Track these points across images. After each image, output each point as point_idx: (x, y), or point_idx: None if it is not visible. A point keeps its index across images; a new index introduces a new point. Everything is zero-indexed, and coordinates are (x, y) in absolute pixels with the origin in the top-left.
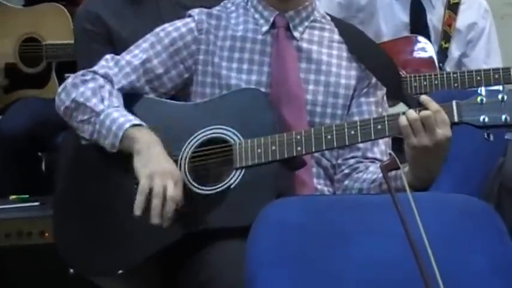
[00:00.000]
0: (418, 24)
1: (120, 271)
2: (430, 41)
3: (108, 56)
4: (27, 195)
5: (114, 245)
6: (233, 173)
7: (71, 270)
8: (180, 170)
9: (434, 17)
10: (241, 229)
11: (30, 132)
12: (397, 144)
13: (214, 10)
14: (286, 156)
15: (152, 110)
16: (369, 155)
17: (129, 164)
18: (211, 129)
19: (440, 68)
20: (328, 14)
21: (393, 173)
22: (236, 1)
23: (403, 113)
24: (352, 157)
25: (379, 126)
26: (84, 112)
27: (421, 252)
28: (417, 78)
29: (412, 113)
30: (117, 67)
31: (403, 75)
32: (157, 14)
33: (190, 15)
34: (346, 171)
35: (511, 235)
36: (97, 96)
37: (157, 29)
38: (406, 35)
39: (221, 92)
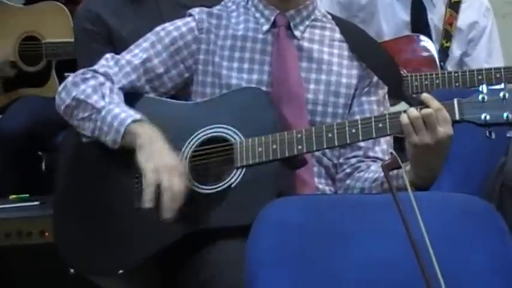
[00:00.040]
0: (419, 23)
1: (121, 271)
2: (431, 40)
3: (108, 55)
4: (27, 195)
5: (114, 244)
6: (234, 172)
7: (72, 270)
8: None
9: (435, 16)
10: (241, 228)
11: (30, 131)
12: (399, 143)
13: (215, 9)
14: (287, 155)
15: (152, 109)
16: (371, 154)
17: (130, 163)
18: (212, 128)
19: (441, 67)
20: (329, 13)
21: (395, 172)
22: (237, 0)
23: (405, 111)
24: (354, 156)
25: (380, 125)
26: (85, 109)
27: (422, 252)
28: (418, 77)
29: (414, 111)
30: (117, 66)
31: (404, 74)
32: (157, 14)
33: (190, 15)
34: (348, 170)
35: None
36: (98, 93)
37: (158, 28)
38: (407, 34)
39: (221, 91)
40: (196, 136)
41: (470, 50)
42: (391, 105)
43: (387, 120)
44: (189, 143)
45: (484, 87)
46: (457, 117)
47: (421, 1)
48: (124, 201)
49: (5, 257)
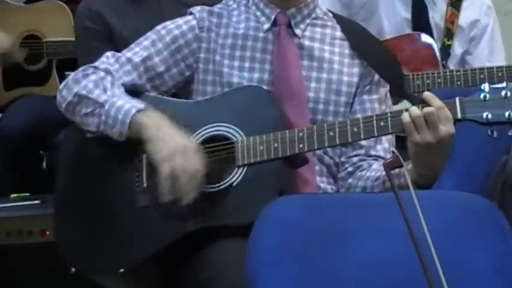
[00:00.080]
0: (420, 22)
1: (121, 270)
2: (432, 38)
3: (108, 53)
4: (28, 194)
5: (114, 244)
6: (235, 170)
7: (73, 269)
8: None
9: (436, 14)
10: (242, 227)
11: (30, 130)
12: (400, 142)
13: (216, 8)
14: (288, 153)
15: (154, 107)
16: (372, 152)
17: (130, 162)
18: (213, 126)
19: (443, 65)
20: (330, 11)
21: (396, 170)
22: None
23: (406, 110)
24: (356, 155)
25: (381, 123)
26: (87, 105)
27: (424, 251)
28: (420, 76)
29: (415, 110)
30: (117, 63)
31: (405, 73)
32: (158, 12)
33: (191, 13)
34: (350, 169)
35: None
36: (99, 88)
37: (159, 27)
38: (408, 33)
39: (222, 90)
40: (197, 135)
41: (472, 49)
42: (393, 104)
43: (389, 118)
44: None
45: (485, 86)
46: (459, 115)
47: None
48: (124, 200)
49: (6, 256)
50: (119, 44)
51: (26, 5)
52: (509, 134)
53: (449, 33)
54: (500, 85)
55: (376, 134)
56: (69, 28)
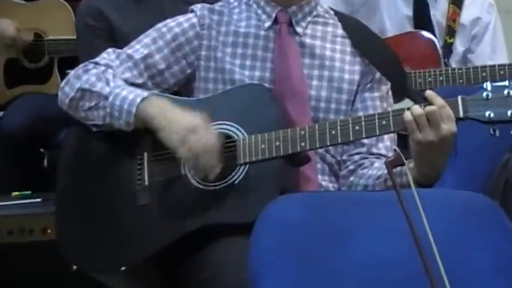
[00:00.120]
0: (422, 19)
1: (123, 268)
2: (434, 36)
3: (109, 50)
4: (29, 192)
5: (115, 244)
6: (237, 168)
7: (74, 267)
8: (183, 165)
9: (438, 12)
10: (244, 226)
11: (32, 128)
12: (402, 140)
13: (217, 5)
14: (290, 152)
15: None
16: (374, 150)
17: (132, 161)
18: (215, 124)
19: (445, 63)
20: (331, 9)
21: (398, 169)
22: None
23: (408, 108)
24: (357, 153)
25: (383, 122)
26: (91, 98)
27: (426, 250)
28: (422, 74)
29: (417, 108)
30: (118, 60)
31: (407, 71)
32: (159, 9)
33: (192, 11)
34: (351, 167)
35: None
36: (102, 80)
37: (159, 24)
38: (410, 30)
39: (224, 87)
40: None
41: (474, 47)
42: (395, 102)
43: (391, 117)
44: None
45: (488, 85)
46: (461, 114)
47: None
48: (125, 199)
49: (7, 254)
50: (120, 42)
51: (27, 2)
52: None
53: (451, 31)
54: (502, 83)
55: (378, 132)
56: (70, 26)
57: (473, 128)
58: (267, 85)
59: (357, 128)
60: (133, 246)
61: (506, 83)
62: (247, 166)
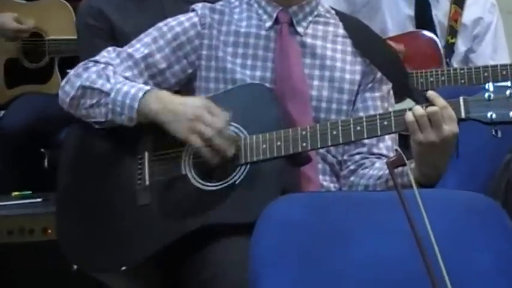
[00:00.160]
0: (424, 19)
1: (123, 268)
2: (436, 36)
3: (110, 48)
4: (29, 192)
5: (115, 243)
6: (238, 168)
7: (75, 267)
8: (184, 165)
9: (440, 12)
10: (245, 226)
11: (32, 128)
12: (403, 140)
13: (218, 5)
14: (291, 152)
15: None
16: (375, 150)
17: (132, 160)
18: None
19: (447, 63)
20: (332, 8)
21: (399, 169)
22: None
23: (410, 109)
24: (358, 153)
25: (385, 122)
26: (92, 96)
27: (427, 250)
28: (423, 74)
29: (419, 109)
30: (118, 58)
31: (409, 71)
32: (160, 9)
33: (193, 10)
34: (352, 167)
35: None
36: (102, 77)
37: (160, 24)
38: (412, 30)
39: (226, 86)
40: None
41: (475, 46)
42: (397, 102)
43: (392, 117)
44: None
45: (490, 85)
46: (463, 115)
47: None
48: (126, 198)
49: (7, 254)
50: (120, 41)
51: (28, 2)
52: None
53: (452, 31)
54: (504, 84)
55: (379, 133)
56: (71, 26)
57: (475, 128)
58: (268, 85)
59: (358, 128)
60: (133, 246)
61: (509, 83)
62: (248, 166)
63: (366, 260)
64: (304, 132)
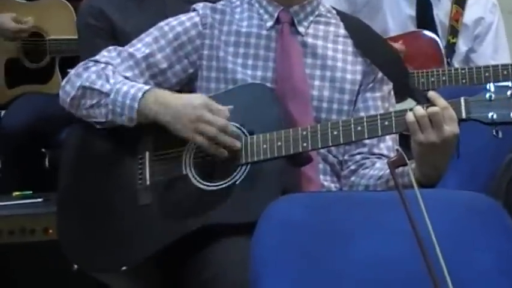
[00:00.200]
0: (425, 19)
1: (123, 268)
2: (437, 36)
3: (110, 47)
4: (30, 192)
5: (116, 243)
6: (238, 168)
7: (75, 266)
8: (185, 166)
9: (441, 12)
10: (245, 226)
11: (33, 128)
12: (404, 140)
13: (219, 4)
14: (292, 152)
15: None
16: (376, 151)
17: (133, 160)
18: None
19: (448, 63)
20: (334, 8)
21: (400, 169)
22: None
23: (410, 109)
24: (359, 153)
25: (386, 123)
26: (92, 96)
27: (428, 250)
28: (425, 74)
29: (420, 109)
30: (119, 58)
31: (410, 71)
32: (161, 8)
33: (194, 10)
34: (353, 167)
35: None
36: (102, 78)
37: (161, 23)
38: (413, 30)
39: (227, 86)
40: None
41: (476, 46)
42: (398, 102)
43: (393, 118)
44: None
45: (491, 86)
46: (464, 115)
47: None
48: (127, 198)
49: (8, 254)
50: (121, 41)
51: (28, 2)
52: None
53: (454, 31)
54: (505, 83)
55: (380, 133)
56: (72, 26)
57: (476, 129)
58: (269, 85)
59: (359, 128)
60: (134, 246)
61: (510, 83)
62: (248, 166)
63: (366, 260)
64: (304, 132)
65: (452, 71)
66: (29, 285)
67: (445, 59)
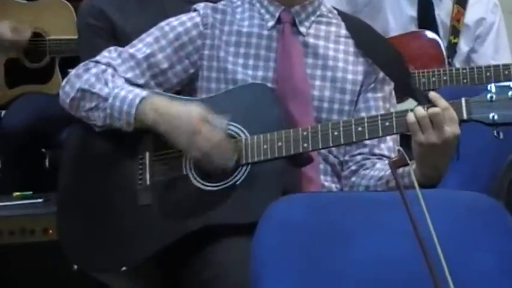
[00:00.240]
0: (426, 19)
1: (124, 268)
2: (438, 36)
3: (111, 48)
4: (30, 192)
5: (116, 243)
6: (239, 169)
7: (75, 266)
8: (185, 166)
9: (442, 12)
10: (246, 226)
11: (33, 128)
12: (405, 141)
13: (220, 4)
14: (292, 152)
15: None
16: (376, 151)
17: (133, 160)
18: None
19: (449, 63)
20: (335, 8)
21: (400, 170)
22: None
23: (411, 110)
24: (359, 153)
25: (386, 123)
26: (91, 99)
27: (430, 250)
28: (426, 74)
29: (420, 110)
30: (120, 58)
31: (411, 71)
32: (161, 8)
33: (195, 10)
34: (353, 167)
35: None
36: (101, 81)
37: (162, 23)
38: (414, 30)
39: (227, 87)
40: None
41: (477, 46)
42: (399, 102)
43: (394, 118)
44: None
45: (492, 86)
46: (465, 116)
47: None
48: (127, 198)
49: (8, 255)
50: (121, 41)
51: (28, 2)
52: None
53: (455, 31)
54: (506, 84)
55: (380, 134)
56: (72, 26)
57: (477, 130)
58: (269, 85)
59: (360, 129)
60: (134, 246)
61: (511, 84)
62: (249, 166)
63: (367, 260)
64: (305, 133)
65: (453, 71)
66: (29, 285)
67: (446, 59)
